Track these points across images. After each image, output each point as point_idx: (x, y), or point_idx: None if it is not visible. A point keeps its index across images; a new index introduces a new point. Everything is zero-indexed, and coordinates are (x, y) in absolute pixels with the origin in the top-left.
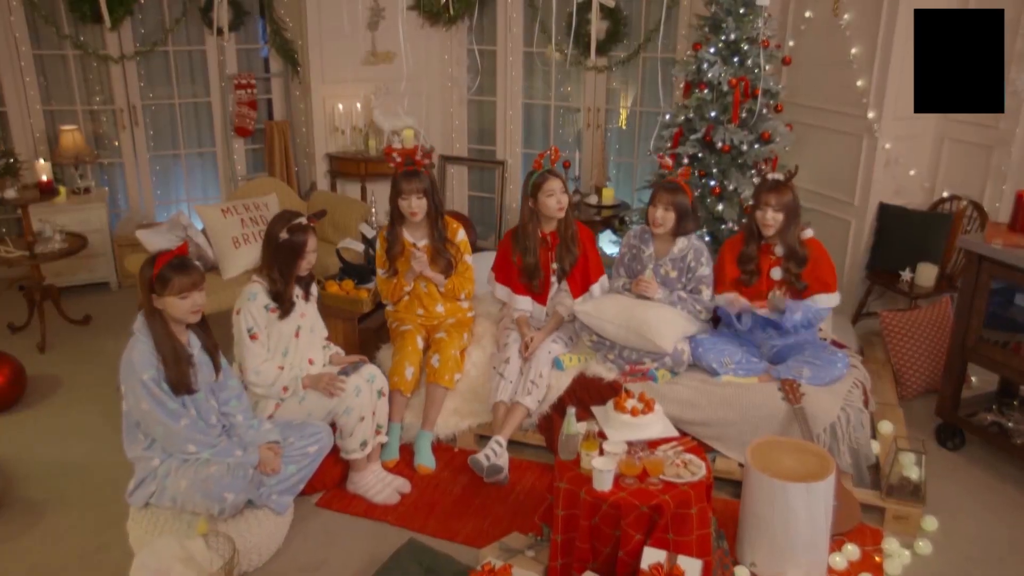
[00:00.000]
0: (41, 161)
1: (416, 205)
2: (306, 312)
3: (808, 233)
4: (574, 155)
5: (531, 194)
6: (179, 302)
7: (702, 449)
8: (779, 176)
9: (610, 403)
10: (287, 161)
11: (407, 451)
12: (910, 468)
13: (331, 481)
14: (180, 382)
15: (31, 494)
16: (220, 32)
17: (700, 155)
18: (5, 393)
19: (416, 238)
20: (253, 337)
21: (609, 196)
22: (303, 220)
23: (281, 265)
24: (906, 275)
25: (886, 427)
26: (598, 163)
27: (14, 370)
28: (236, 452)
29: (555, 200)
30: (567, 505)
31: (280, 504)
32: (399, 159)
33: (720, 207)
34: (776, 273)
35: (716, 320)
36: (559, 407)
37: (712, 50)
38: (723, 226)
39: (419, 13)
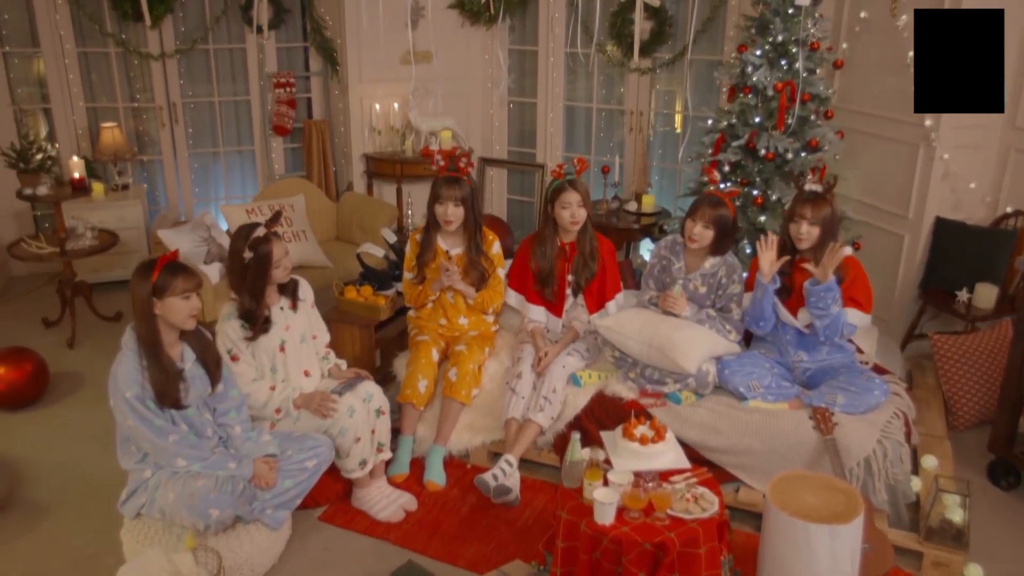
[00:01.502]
0: (75, 158)
1: (452, 213)
2: (292, 324)
3: (847, 251)
4: (614, 160)
5: (549, 201)
6: (182, 303)
7: (717, 483)
8: (817, 187)
9: (619, 429)
10: (325, 161)
11: (419, 465)
12: (953, 509)
13: (335, 495)
14: (167, 399)
15: (36, 495)
16: (260, 30)
17: (742, 163)
18: (26, 389)
19: (450, 246)
20: (234, 359)
21: (649, 203)
22: (261, 230)
23: (251, 284)
24: (963, 295)
25: (930, 462)
26: (639, 169)
27: (36, 366)
28: (230, 465)
29: (569, 213)
30: (567, 536)
31: (275, 519)
32: (443, 162)
33: (762, 218)
34: None
35: (748, 338)
36: (576, 426)
37: (758, 52)
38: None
39: (459, 12)
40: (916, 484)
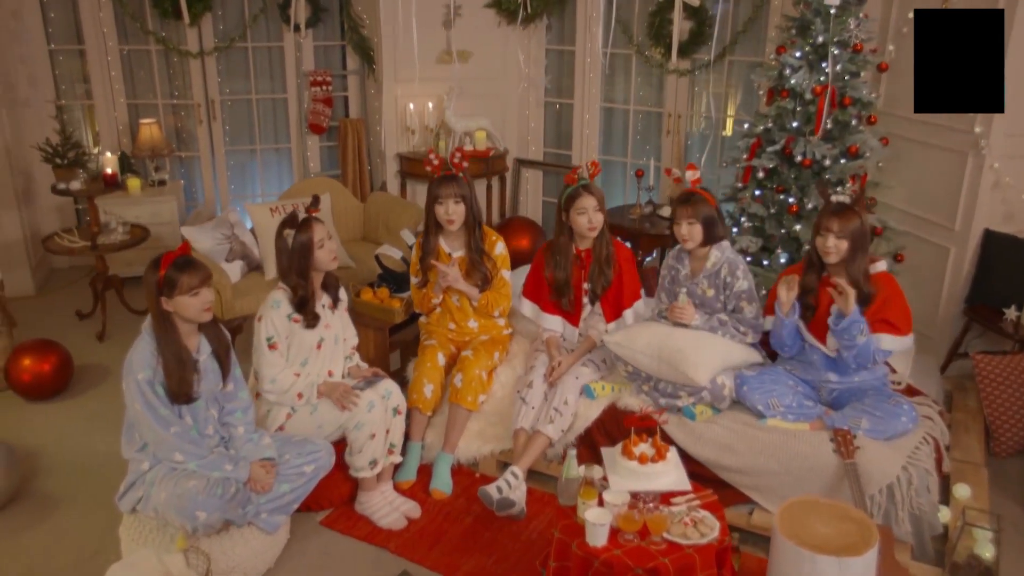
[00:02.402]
0: (108, 154)
1: (453, 211)
2: (331, 324)
3: (880, 267)
4: (649, 163)
5: (564, 208)
6: (191, 300)
7: (721, 506)
8: (845, 198)
9: (619, 446)
10: (360, 160)
11: (428, 472)
12: (983, 544)
13: (339, 499)
14: (179, 389)
15: (49, 487)
16: (297, 28)
17: (778, 169)
18: (50, 381)
19: (452, 248)
20: (272, 347)
21: None
22: (300, 214)
23: (298, 268)
24: (1011, 313)
25: (962, 491)
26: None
27: (61, 359)
28: (226, 466)
29: (586, 219)
30: (559, 556)
31: (270, 523)
32: (436, 162)
33: (798, 227)
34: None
35: (774, 355)
36: (586, 439)
37: (798, 54)
38: (804, 247)
39: (496, 11)
40: (945, 515)
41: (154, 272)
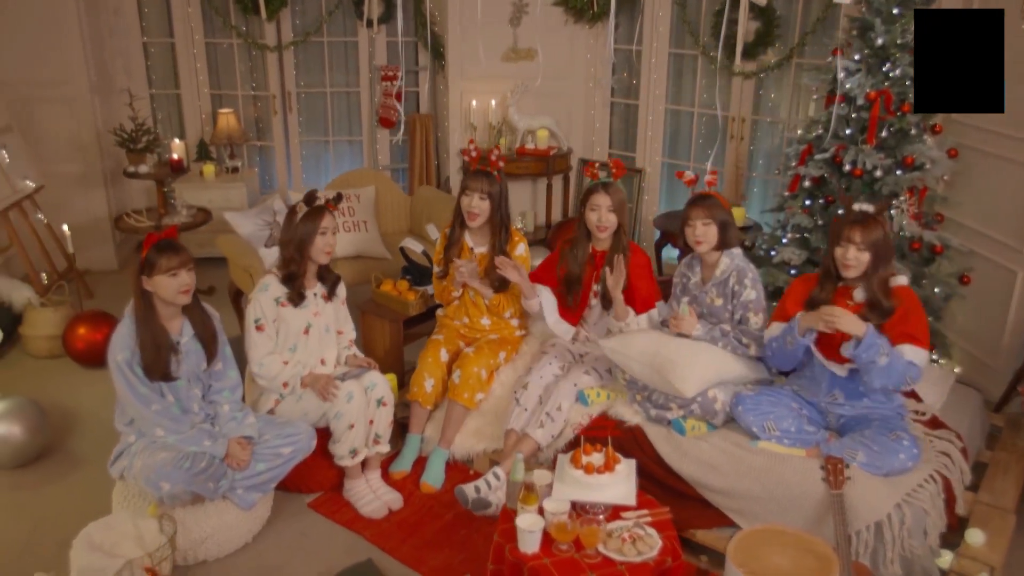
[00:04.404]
0: (176, 141)
1: (476, 205)
2: (321, 312)
3: (900, 280)
4: (705, 167)
5: (581, 202)
6: (169, 280)
7: (673, 526)
8: (869, 208)
9: (570, 454)
10: (427, 155)
11: (424, 464)
12: None
13: (328, 483)
14: (154, 368)
15: (76, 447)
16: (370, 24)
17: (827, 178)
18: (101, 350)
19: (477, 244)
20: (259, 328)
21: (739, 216)
22: (322, 201)
23: (297, 244)
24: None
25: (975, 537)
26: (734, 179)
27: (113, 330)
28: (205, 442)
29: (596, 216)
30: (496, 560)
31: (245, 500)
32: (475, 154)
33: None
34: None
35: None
36: (575, 445)
37: (857, 56)
38: None
39: (564, 10)
40: (946, 560)
41: (138, 252)
